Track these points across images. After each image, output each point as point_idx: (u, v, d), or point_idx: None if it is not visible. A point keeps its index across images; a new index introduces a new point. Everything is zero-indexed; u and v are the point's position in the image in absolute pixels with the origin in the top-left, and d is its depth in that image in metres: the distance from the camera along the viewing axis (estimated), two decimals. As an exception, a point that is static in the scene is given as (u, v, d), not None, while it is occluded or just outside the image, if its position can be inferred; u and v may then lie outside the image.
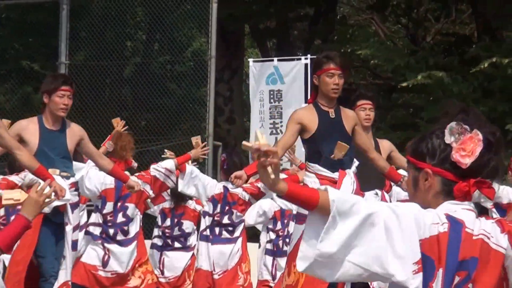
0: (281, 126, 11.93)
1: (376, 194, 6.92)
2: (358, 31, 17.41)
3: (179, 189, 8.37)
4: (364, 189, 6.77)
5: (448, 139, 2.48)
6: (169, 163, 8.00)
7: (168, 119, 13.09)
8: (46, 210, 6.38)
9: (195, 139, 8.64)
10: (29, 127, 6.59)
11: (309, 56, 12.30)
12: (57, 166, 6.59)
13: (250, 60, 13.07)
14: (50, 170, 6.47)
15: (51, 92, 6.62)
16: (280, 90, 12.19)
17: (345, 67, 6.30)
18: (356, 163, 6.33)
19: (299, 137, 6.36)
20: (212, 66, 12.00)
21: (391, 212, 2.36)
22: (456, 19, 20.52)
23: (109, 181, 7.76)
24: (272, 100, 12.25)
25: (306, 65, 12.04)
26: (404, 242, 2.33)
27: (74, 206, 6.75)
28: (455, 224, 2.43)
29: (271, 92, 12.26)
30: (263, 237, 9.42)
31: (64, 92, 6.62)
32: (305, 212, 6.27)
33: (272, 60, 12.61)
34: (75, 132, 6.75)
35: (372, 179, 6.98)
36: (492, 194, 2.50)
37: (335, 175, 6.14)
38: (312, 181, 6.18)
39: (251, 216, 8.91)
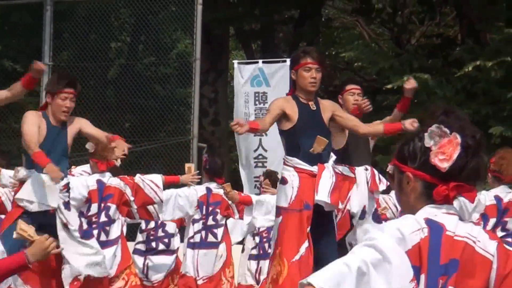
0: (266, 127, 11.93)
1: (366, 169, 6.94)
2: (343, 34, 17.42)
3: (165, 219, 8.40)
4: (355, 165, 6.85)
5: (428, 142, 2.47)
6: (157, 178, 7.97)
7: (152, 120, 13.08)
8: (34, 208, 6.41)
9: (188, 166, 8.68)
10: (38, 120, 6.62)
11: (294, 58, 12.29)
12: (55, 164, 6.59)
13: (235, 61, 13.05)
14: (43, 175, 6.53)
15: (54, 93, 6.62)
16: (265, 92, 12.18)
17: (322, 62, 6.36)
18: (333, 157, 6.36)
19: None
20: (197, 68, 11.99)
21: (372, 250, 2.35)
22: (441, 21, 20.58)
23: (92, 183, 7.74)
24: (257, 102, 12.24)
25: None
26: (395, 268, 2.33)
27: (66, 204, 6.74)
28: (435, 228, 2.42)
29: (256, 94, 12.26)
30: (249, 243, 9.41)
31: (67, 95, 6.62)
32: (282, 204, 6.29)
33: (257, 62, 12.59)
34: (74, 127, 6.79)
35: (362, 157, 7.05)
36: (473, 197, 2.49)
37: (314, 168, 6.16)
38: (290, 175, 6.21)
39: (237, 234, 8.89)
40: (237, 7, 17.23)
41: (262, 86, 12.22)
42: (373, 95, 24.77)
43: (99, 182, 7.70)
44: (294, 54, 6.54)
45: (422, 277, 2.35)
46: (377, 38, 19.33)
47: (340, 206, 6.27)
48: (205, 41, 14.23)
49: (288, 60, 12.26)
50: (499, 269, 2.43)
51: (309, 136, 6.14)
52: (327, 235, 6.22)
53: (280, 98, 6.49)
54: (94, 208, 7.79)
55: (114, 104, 14.47)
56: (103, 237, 7.78)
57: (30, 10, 13.72)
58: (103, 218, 7.81)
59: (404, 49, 15.86)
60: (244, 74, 12.43)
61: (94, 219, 7.79)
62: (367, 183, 6.78)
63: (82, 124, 6.85)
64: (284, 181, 6.23)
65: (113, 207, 7.84)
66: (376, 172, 7.04)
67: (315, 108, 6.29)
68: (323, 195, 6.06)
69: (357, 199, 6.68)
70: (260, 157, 12.10)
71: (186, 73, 12.62)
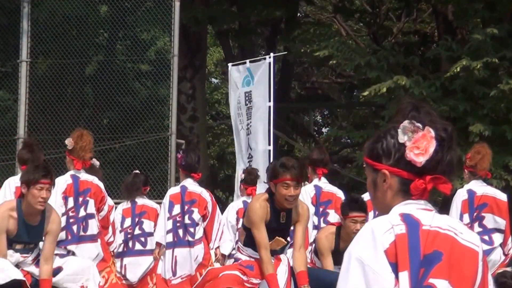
0: (251, 126, 11.98)
1: None
2: (320, 30, 17.46)
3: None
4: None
5: (402, 138, 2.48)
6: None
7: (130, 117, 13.06)
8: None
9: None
10: (6, 222, 6.54)
11: (272, 54, 12.31)
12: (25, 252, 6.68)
13: (229, 64, 12.99)
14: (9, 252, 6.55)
15: (30, 183, 6.53)
16: (250, 91, 12.19)
17: (302, 177, 6.25)
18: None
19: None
20: (175, 65, 11.99)
21: (360, 268, 2.38)
22: (417, 18, 20.70)
23: (63, 181, 7.78)
24: (247, 102, 12.24)
25: (269, 64, 12.06)
26: (378, 279, 2.34)
27: (38, 262, 6.76)
28: (411, 223, 2.42)
29: (246, 94, 12.25)
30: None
31: (43, 185, 6.53)
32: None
33: (245, 63, 12.57)
34: (50, 224, 6.69)
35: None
36: (448, 188, 2.48)
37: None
38: (245, 258, 6.33)
39: (226, 247, 8.84)
40: (215, 6, 17.23)
41: (250, 86, 12.24)
42: (351, 91, 24.94)
43: (73, 176, 7.79)
44: (274, 166, 6.31)
45: (405, 274, 2.34)
46: (354, 35, 19.41)
47: None
48: (183, 38, 14.23)
49: (267, 57, 12.30)
50: (483, 260, 2.45)
51: (270, 237, 6.20)
52: None
53: (260, 208, 6.22)
54: (70, 201, 7.82)
55: (92, 101, 14.46)
56: (82, 232, 7.80)
57: (6, 8, 13.66)
58: (82, 212, 7.84)
59: (381, 45, 15.92)
60: (236, 75, 12.43)
61: (71, 213, 7.80)
62: None
63: (49, 233, 6.71)
64: (237, 259, 6.40)
65: (91, 201, 7.88)
66: None
67: (284, 221, 6.29)
68: None
69: None
70: (249, 156, 12.15)
71: (164, 69, 12.62)
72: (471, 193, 7.98)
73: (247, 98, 12.21)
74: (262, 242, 6.14)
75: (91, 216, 7.88)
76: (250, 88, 12.18)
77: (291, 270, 6.30)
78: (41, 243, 6.81)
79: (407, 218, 2.43)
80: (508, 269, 7.50)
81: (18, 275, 6.45)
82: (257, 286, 6.21)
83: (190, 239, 8.48)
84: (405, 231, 2.39)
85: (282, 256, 6.34)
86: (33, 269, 6.68)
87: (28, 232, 6.61)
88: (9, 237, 6.55)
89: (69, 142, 7.77)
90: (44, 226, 6.65)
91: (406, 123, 2.48)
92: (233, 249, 8.58)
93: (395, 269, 2.35)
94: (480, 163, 8.00)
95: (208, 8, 16.45)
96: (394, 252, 2.36)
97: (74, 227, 7.80)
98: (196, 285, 6.84)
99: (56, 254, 6.97)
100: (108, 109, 13.52)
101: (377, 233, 2.39)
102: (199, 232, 8.53)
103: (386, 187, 2.51)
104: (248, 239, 6.29)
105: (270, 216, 6.21)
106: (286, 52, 16.94)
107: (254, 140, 11.94)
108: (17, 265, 6.62)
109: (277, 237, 6.22)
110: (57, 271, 6.81)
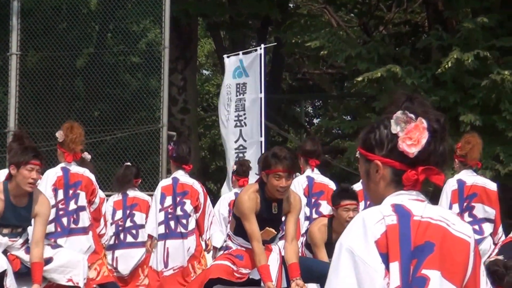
0: (245, 118, 11.98)
1: None
2: (311, 21, 17.44)
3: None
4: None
5: (394, 128, 2.48)
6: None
7: (121, 109, 13.05)
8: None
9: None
10: None
11: (262, 46, 12.32)
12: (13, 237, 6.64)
13: (225, 56, 13.00)
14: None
15: (20, 164, 6.44)
16: (245, 82, 12.19)
17: (293, 168, 6.27)
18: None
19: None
20: (166, 56, 11.97)
21: (350, 259, 2.38)
22: (408, 8, 20.70)
23: (53, 174, 7.76)
24: (238, 93, 12.24)
25: (260, 55, 12.06)
26: (368, 270, 2.35)
27: (27, 248, 6.73)
28: (402, 214, 2.43)
29: (238, 85, 12.25)
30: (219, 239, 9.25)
31: (34, 166, 6.45)
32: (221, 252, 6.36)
33: (238, 54, 12.58)
34: (38, 205, 6.63)
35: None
36: (441, 180, 2.49)
37: None
38: (236, 245, 6.38)
39: (218, 239, 8.84)
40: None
41: (242, 77, 12.23)
42: (342, 82, 24.95)
43: (63, 169, 7.76)
44: (266, 156, 6.30)
45: (396, 264, 2.35)
46: (345, 25, 19.39)
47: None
48: (174, 30, 14.21)
49: (258, 48, 12.30)
50: (475, 251, 2.45)
51: (261, 227, 6.21)
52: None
53: (249, 200, 6.24)
54: (60, 194, 7.79)
55: (83, 93, 14.44)
56: (72, 225, 7.78)
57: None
58: (72, 205, 7.80)
59: (371, 36, 15.92)
60: (229, 66, 12.44)
61: (61, 206, 7.77)
62: None
63: (39, 215, 6.66)
64: (228, 247, 6.44)
65: (82, 194, 7.85)
66: None
67: (276, 212, 6.30)
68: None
69: None
70: (240, 147, 12.14)
71: (155, 61, 12.61)
72: (461, 183, 7.99)
73: (238, 90, 12.22)
74: (253, 234, 6.15)
75: (82, 208, 7.86)
76: (243, 80, 12.19)
77: (283, 259, 6.32)
78: (29, 228, 6.77)
79: (398, 209, 2.43)
80: (500, 257, 7.51)
81: (4, 264, 6.43)
82: (246, 276, 6.22)
83: (182, 230, 8.48)
84: (396, 222, 2.39)
85: (273, 245, 6.36)
86: (22, 254, 6.60)
87: (15, 214, 6.53)
88: None
89: (59, 134, 7.76)
90: (32, 208, 6.57)
91: (399, 113, 2.48)
92: (225, 240, 8.56)
93: (386, 260, 2.35)
94: (470, 153, 8.01)
95: (199, 1, 16.41)
96: (385, 243, 2.36)
97: (64, 220, 7.77)
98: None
99: (48, 245, 6.94)
100: (99, 102, 13.51)
101: (368, 223, 2.39)
102: (191, 224, 8.53)
103: (378, 177, 2.51)
104: (239, 228, 6.31)
105: (260, 207, 6.23)
106: (276, 43, 16.95)
107: (247, 131, 11.95)
108: (6, 250, 6.57)
109: (267, 228, 6.24)
110: (47, 261, 6.77)
